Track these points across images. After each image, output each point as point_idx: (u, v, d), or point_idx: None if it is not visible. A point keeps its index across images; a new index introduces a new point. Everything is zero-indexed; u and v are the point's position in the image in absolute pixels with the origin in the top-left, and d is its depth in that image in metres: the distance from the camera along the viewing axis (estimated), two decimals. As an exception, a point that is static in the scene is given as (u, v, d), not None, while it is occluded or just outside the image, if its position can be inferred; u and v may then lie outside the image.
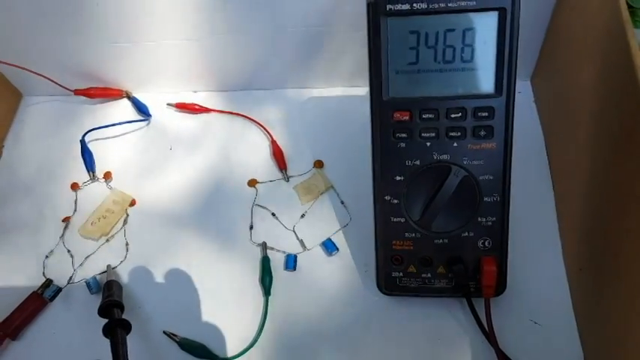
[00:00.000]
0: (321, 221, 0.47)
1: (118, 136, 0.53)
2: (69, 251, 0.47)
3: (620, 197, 0.35)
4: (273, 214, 0.47)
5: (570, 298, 0.42)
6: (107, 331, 0.38)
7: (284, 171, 0.49)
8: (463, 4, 0.35)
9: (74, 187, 0.50)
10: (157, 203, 0.49)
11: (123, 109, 0.55)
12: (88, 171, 0.50)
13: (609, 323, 0.36)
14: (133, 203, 0.49)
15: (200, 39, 0.50)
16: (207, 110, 0.53)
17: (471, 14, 0.35)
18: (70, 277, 0.45)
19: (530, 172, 0.47)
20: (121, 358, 0.36)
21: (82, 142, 0.51)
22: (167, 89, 0.55)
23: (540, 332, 0.41)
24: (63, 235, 0.47)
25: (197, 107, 0.53)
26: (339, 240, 0.46)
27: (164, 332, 0.42)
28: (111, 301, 0.40)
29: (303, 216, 0.47)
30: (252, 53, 0.51)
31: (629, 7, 0.76)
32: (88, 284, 0.45)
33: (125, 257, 0.46)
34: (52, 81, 0.52)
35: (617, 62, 0.35)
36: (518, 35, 0.35)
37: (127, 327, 0.38)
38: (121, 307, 0.40)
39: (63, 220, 0.48)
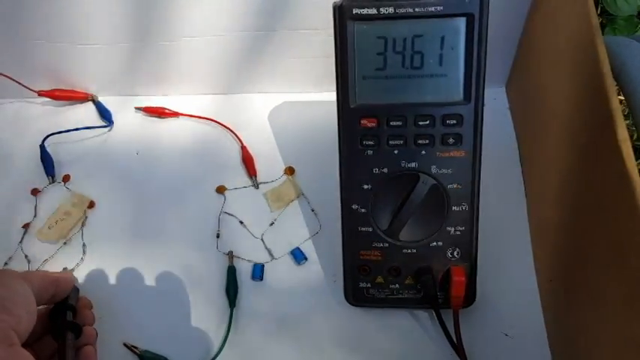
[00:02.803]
0: (291, 229, 0.46)
1: (83, 139, 0.51)
2: (26, 256, 0.45)
3: (589, 208, 0.34)
4: (241, 222, 0.46)
5: (541, 310, 0.41)
6: (56, 335, 0.36)
7: (254, 177, 0.48)
8: (431, 9, 0.34)
9: (34, 192, 0.48)
10: (119, 207, 0.47)
11: (87, 112, 0.53)
12: (48, 176, 0.49)
13: (578, 334, 0.36)
14: (91, 205, 0.48)
15: (170, 42, 0.49)
16: (175, 115, 0.52)
17: (439, 20, 0.34)
18: (27, 284, 0.44)
19: (502, 181, 0.47)
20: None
21: (42, 147, 0.49)
22: (136, 92, 0.53)
23: (511, 344, 0.40)
24: (22, 240, 0.46)
25: (166, 111, 0.52)
26: (309, 249, 0.45)
27: (124, 344, 0.41)
28: (61, 303, 0.38)
29: (272, 224, 0.46)
30: (222, 57, 0.50)
31: (607, 14, 0.76)
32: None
33: (82, 259, 0.45)
34: (16, 81, 0.51)
35: (586, 69, 0.34)
36: (487, 42, 0.35)
37: (76, 330, 0.37)
38: (73, 310, 0.38)
39: (23, 227, 0.47)
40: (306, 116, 0.52)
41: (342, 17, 0.35)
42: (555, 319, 0.39)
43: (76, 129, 0.50)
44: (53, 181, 0.49)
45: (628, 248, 0.29)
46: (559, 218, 0.39)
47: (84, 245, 0.45)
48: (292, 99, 0.53)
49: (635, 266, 0.28)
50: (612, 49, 0.39)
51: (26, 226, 0.47)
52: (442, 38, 0.35)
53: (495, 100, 0.52)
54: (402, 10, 0.34)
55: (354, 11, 0.34)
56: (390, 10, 0.34)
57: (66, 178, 0.49)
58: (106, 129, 0.52)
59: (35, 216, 0.47)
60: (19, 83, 0.51)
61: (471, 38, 0.34)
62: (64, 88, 0.53)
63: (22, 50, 0.50)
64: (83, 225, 0.47)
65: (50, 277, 0.37)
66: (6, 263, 0.45)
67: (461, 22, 0.34)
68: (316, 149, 0.49)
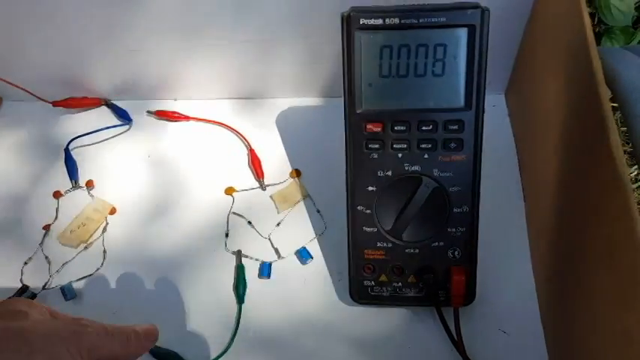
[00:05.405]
0: (297, 229, 0.47)
1: (98, 143, 0.53)
2: (47, 258, 0.47)
3: (583, 209, 0.36)
4: (249, 222, 0.48)
5: (538, 308, 0.43)
6: None
7: (261, 180, 0.50)
8: (434, 20, 0.36)
9: (56, 195, 0.50)
10: (136, 211, 0.49)
11: (102, 116, 0.55)
12: (71, 179, 0.50)
13: (573, 331, 0.37)
14: (113, 212, 0.49)
15: (180, 47, 0.50)
16: (186, 118, 0.54)
17: (442, 30, 0.36)
18: (45, 284, 0.45)
19: (501, 185, 0.48)
20: None
21: (67, 151, 0.51)
22: (147, 97, 0.55)
23: (508, 341, 0.41)
24: (42, 242, 0.47)
25: (176, 115, 0.54)
26: (314, 248, 0.46)
27: (137, 339, 0.42)
28: None
29: (278, 224, 0.48)
30: (232, 62, 0.52)
31: (604, 24, 0.78)
32: (62, 290, 0.45)
33: (102, 264, 0.46)
34: (30, 93, 0.52)
35: (581, 78, 0.36)
36: (487, 51, 0.36)
37: None
38: None
39: (43, 228, 0.48)
40: (311, 121, 0.54)
41: (349, 27, 0.36)
42: (551, 317, 0.41)
43: (99, 130, 0.52)
44: (76, 185, 0.50)
45: (620, 248, 0.31)
46: (556, 220, 0.41)
47: (104, 252, 0.47)
48: (298, 104, 0.55)
49: (627, 265, 0.30)
50: (607, 59, 0.40)
51: (46, 228, 0.48)
52: (444, 48, 0.36)
53: (495, 106, 0.53)
54: (406, 21, 0.36)
55: (362, 21, 0.36)
56: (396, 20, 0.36)
57: (89, 184, 0.50)
58: (126, 127, 0.53)
59: (56, 218, 0.49)
60: (34, 95, 0.52)
61: (472, 48, 0.36)
62: (74, 95, 0.54)
63: (34, 58, 0.52)
64: (104, 231, 0.48)
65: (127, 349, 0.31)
66: (25, 263, 0.46)
67: (462, 33, 0.36)
68: (321, 153, 0.51)
